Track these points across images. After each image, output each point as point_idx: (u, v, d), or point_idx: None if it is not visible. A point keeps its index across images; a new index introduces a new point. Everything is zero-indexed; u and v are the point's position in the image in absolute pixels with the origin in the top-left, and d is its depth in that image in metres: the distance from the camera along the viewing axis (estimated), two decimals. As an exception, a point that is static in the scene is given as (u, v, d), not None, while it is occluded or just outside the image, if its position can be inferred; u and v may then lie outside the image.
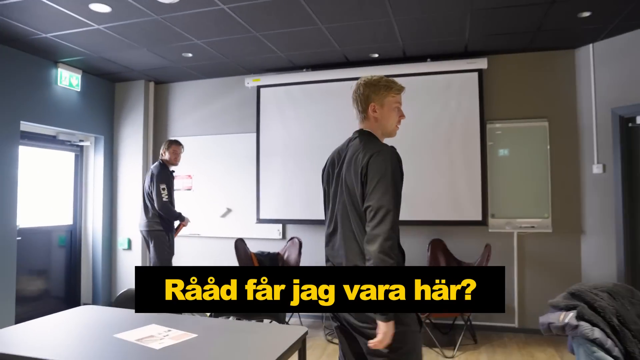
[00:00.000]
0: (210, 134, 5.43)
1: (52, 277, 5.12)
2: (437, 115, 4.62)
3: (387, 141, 2.03)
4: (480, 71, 4.52)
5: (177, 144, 4.51)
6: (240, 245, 4.62)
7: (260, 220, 5.04)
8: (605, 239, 4.21)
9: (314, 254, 4.91)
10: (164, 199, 4.27)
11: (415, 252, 4.63)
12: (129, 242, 5.42)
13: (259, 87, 5.14)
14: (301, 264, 4.69)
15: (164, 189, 4.29)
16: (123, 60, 4.78)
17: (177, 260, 5.39)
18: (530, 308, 4.47)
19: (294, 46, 4.39)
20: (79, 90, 5.07)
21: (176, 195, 5.21)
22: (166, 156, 4.47)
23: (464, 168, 4.53)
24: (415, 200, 4.61)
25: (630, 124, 4.08)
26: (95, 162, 5.48)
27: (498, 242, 4.44)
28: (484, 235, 4.52)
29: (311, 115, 4.97)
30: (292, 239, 4.83)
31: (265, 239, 5.14)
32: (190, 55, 4.60)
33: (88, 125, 5.26)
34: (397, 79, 2.18)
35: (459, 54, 4.59)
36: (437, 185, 4.58)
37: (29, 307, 4.76)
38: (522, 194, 4.51)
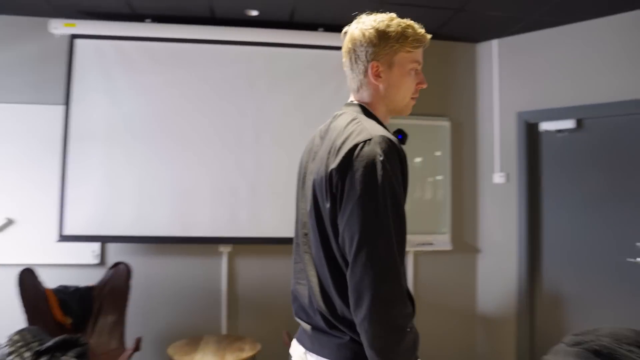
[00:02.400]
0: (-16, 102, 3.48)
1: None
2: (327, 98, 3.61)
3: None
4: (380, 53, 3.68)
5: None
6: (27, 278, 2.86)
7: (64, 238, 3.28)
8: (504, 255, 3.70)
9: (152, 287, 3.41)
10: None
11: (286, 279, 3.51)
12: None
13: (73, 37, 3.42)
14: (131, 304, 3.14)
15: None
16: None
17: None
18: (426, 341, 3.72)
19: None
20: None
21: None
22: None
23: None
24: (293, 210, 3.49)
25: (537, 130, 3.67)
26: None
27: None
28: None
29: (156, 86, 3.47)
30: (116, 265, 3.22)
31: (72, 266, 3.38)
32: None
33: None
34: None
35: (357, 28, 3.68)
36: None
37: None
38: (420, 205, 3.77)
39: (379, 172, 1.11)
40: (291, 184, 3.49)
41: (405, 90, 1.35)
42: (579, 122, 3.46)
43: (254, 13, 3.43)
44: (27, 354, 2.34)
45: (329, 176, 1.17)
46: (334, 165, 1.16)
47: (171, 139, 3.47)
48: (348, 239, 1.12)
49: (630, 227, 3.23)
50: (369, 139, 1.15)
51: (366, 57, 1.32)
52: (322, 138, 1.36)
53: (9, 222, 3.38)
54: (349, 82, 1.39)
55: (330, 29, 3.64)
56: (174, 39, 3.49)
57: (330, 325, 1.22)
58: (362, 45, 1.32)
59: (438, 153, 3.80)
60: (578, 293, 3.42)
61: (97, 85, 3.43)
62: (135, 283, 3.22)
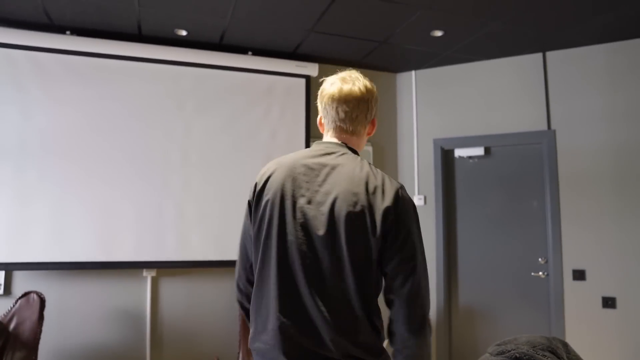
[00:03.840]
0: None
1: None
2: (255, 122, 3.64)
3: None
4: (308, 78, 3.79)
5: None
6: None
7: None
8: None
9: (68, 317, 3.17)
10: None
11: (226, 301, 3.46)
12: None
13: (-21, 45, 3.17)
14: (44, 337, 2.89)
15: None
16: None
17: None
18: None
19: (59, -14, 2.79)
20: None
21: None
22: None
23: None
24: (227, 232, 3.46)
25: (452, 156, 3.98)
26: None
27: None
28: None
29: (76, 101, 3.28)
30: (26, 295, 2.95)
31: (-30, 295, 3.06)
32: None
33: None
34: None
35: (287, 54, 3.77)
36: (252, 214, 3.55)
37: None
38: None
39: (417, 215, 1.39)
40: (219, 206, 3.50)
41: None
42: (487, 150, 3.82)
43: (183, 33, 3.40)
44: None
45: (385, 211, 1.29)
46: (388, 203, 1.30)
47: (92, 157, 3.29)
48: (405, 265, 1.31)
49: (532, 244, 3.60)
50: (402, 186, 1.38)
51: (373, 112, 1.47)
52: (313, 169, 1.36)
53: None
54: (340, 123, 1.43)
55: (259, 53, 3.71)
56: (97, 54, 3.35)
57: (362, 351, 1.29)
58: (375, 101, 1.47)
59: (362, 176, 3.97)
60: (490, 305, 3.72)
61: (7, 97, 3.18)
62: (49, 314, 2.97)
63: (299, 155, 1.41)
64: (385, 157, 4.09)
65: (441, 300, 3.82)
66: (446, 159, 3.97)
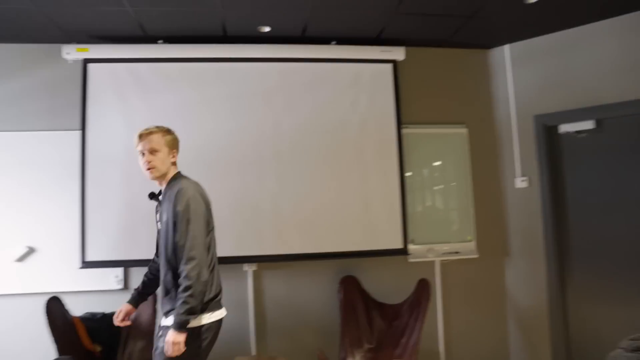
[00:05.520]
0: (1, 131, 3.45)
1: None
2: (343, 112, 3.59)
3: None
4: (395, 63, 3.66)
5: None
6: (55, 307, 2.82)
7: (86, 264, 3.26)
8: (532, 261, 3.66)
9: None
10: None
11: (325, 293, 3.48)
12: None
13: (86, 62, 3.41)
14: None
15: None
16: None
17: None
18: (459, 353, 3.67)
19: (149, 0, 2.93)
20: None
21: None
22: None
23: (379, 183, 3.57)
24: (318, 225, 3.46)
25: (556, 132, 3.64)
26: None
27: (420, 274, 3.52)
28: (404, 267, 3.59)
29: (170, 107, 3.45)
30: (142, 289, 3.18)
31: (96, 292, 3.34)
32: (-37, -12, 2.72)
33: None
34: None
35: (371, 40, 3.67)
36: (345, 206, 3.51)
37: None
38: (443, 214, 3.74)
39: None
40: (312, 199, 3.51)
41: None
42: (598, 122, 3.43)
43: (266, 29, 3.42)
44: None
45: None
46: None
47: (189, 158, 3.42)
48: None
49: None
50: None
51: None
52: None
53: (30, 251, 3.34)
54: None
55: (342, 41, 3.63)
56: (187, 59, 3.48)
57: None
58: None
59: (458, 161, 3.77)
60: (611, 292, 3.37)
61: (112, 108, 3.41)
62: (161, 307, 3.17)
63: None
64: (482, 139, 3.85)
65: (554, 288, 3.54)
66: (550, 136, 3.64)
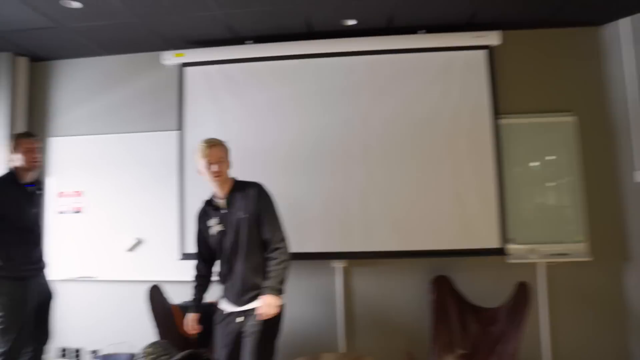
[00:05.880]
0: (111, 133, 3.80)
1: None
2: (434, 106, 3.41)
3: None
4: (489, 49, 3.40)
5: (26, 137, 2.87)
6: (156, 296, 3.03)
7: (186, 256, 3.46)
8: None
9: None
10: None
11: (416, 293, 3.35)
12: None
13: (182, 66, 3.63)
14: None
15: None
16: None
17: (62, 317, 3.70)
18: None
19: (237, 3, 3.01)
20: None
21: (60, 220, 3.55)
22: (18, 160, 2.81)
23: (473, 177, 3.34)
24: (408, 222, 3.33)
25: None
26: None
27: (520, 277, 3.22)
28: (502, 268, 3.32)
29: (259, 105, 3.54)
30: (234, 282, 3.31)
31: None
32: (78, 4, 3.01)
33: None
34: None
35: (462, 26, 3.45)
36: (436, 202, 3.34)
37: None
38: (549, 212, 3.39)
39: None
40: (401, 196, 3.38)
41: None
42: None
43: (352, 22, 3.37)
44: None
45: None
46: None
47: (280, 154, 3.50)
48: None
49: None
50: None
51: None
52: None
53: (139, 242, 3.64)
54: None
55: (430, 30, 3.45)
56: (274, 57, 3.54)
57: None
58: None
59: (565, 153, 3.40)
60: None
61: (206, 109, 3.59)
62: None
63: None
64: (593, 128, 3.43)
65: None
66: (679, 121, 3.14)
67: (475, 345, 2.94)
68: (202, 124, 3.57)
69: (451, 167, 3.35)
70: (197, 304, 2.61)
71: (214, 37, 3.55)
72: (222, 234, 2.45)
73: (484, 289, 3.28)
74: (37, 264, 2.90)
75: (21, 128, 3.79)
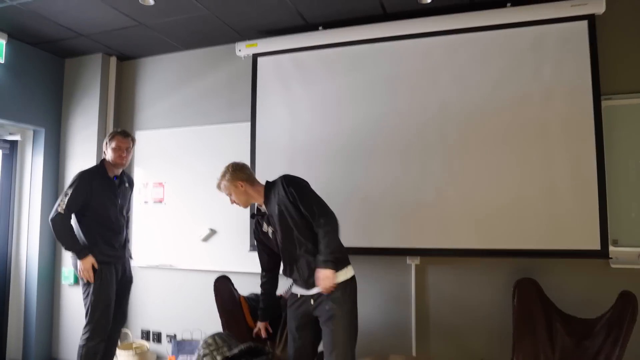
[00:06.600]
0: (189, 125, 3.91)
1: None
2: (521, 89, 3.03)
3: None
4: (591, 19, 2.94)
5: (120, 135, 3.05)
6: (223, 286, 3.05)
7: (254, 247, 3.45)
8: None
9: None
10: (58, 208, 2.84)
11: (497, 296, 3.03)
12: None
13: (255, 56, 3.61)
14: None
15: (66, 195, 2.86)
16: (60, 16, 3.33)
17: (143, 302, 3.94)
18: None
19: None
20: (1, 62, 3.60)
21: (144, 210, 3.74)
22: (108, 154, 3.04)
23: (568, 169, 2.92)
24: (490, 218, 3.01)
25: None
26: (34, 163, 4.00)
27: (622, 284, 2.73)
28: (603, 274, 2.87)
29: (331, 93, 3.41)
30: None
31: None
32: (151, 1, 3.09)
33: (22, 113, 3.79)
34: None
35: (556, -6, 3.01)
36: (523, 196, 2.97)
37: None
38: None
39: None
40: (482, 189, 3.06)
41: None
42: None
43: (428, 0, 3.09)
44: (218, 358, 2.47)
45: None
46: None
47: (353, 143, 3.34)
48: None
49: None
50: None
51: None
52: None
53: (212, 233, 3.72)
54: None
55: (519, 1, 3.06)
56: (346, 43, 3.38)
57: None
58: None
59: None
60: None
61: (278, 99, 3.54)
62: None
63: None
64: None
65: None
66: None
67: (564, 359, 2.57)
68: (273, 114, 3.54)
69: (542, 157, 2.95)
70: (265, 313, 2.82)
71: (284, 25, 3.49)
72: (274, 234, 2.55)
73: (578, 297, 2.86)
74: (119, 250, 3.07)
75: (111, 123, 4.06)
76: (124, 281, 3.15)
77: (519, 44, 3.05)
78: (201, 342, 2.58)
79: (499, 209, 3.00)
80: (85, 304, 2.93)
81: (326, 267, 2.30)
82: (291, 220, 2.44)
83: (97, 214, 2.96)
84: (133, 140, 3.12)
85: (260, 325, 2.82)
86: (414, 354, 3.16)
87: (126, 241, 3.18)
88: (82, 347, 2.87)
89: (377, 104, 3.30)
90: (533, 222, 2.93)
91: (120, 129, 3.13)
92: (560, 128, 2.94)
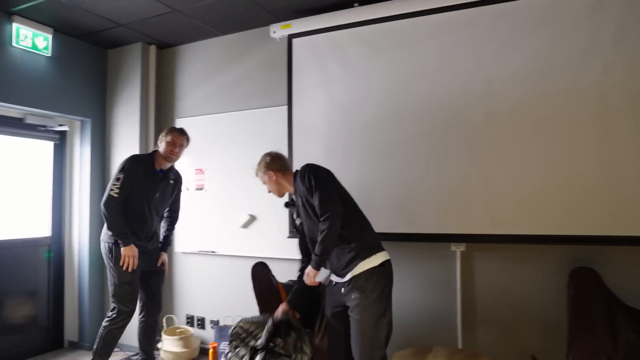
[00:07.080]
0: (228, 112, 3.89)
1: (28, 306, 3.83)
2: (575, 57, 2.74)
3: None
4: (660, -25, 2.59)
5: (176, 131, 3.11)
6: (260, 272, 3.03)
7: (293, 234, 3.39)
8: None
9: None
10: (111, 193, 2.91)
11: (550, 286, 2.81)
12: (125, 260, 4.02)
13: (290, 38, 3.51)
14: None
15: (118, 179, 2.93)
16: (97, 6, 3.37)
17: (188, 287, 4.01)
18: None
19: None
20: (48, 55, 3.73)
21: (186, 197, 3.77)
22: (161, 146, 3.09)
23: (631, 147, 2.61)
24: (542, 202, 2.77)
25: None
26: (82, 153, 4.14)
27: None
28: (673, 263, 2.59)
29: (367, 72, 3.26)
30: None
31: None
32: (182, -14, 3.06)
33: (69, 104, 3.91)
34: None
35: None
36: (579, 178, 2.71)
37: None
38: None
39: None
40: (534, 167, 2.82)
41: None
42: None
43: (471, -35, 2.86)
44: (251, 342, 2.49)
45: None
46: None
47: (389, 127, 3.19)
48: None
49: None
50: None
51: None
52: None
53: (252, 219, 3.70)
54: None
55: (577, -40, 2.75)
56: (383, 18, 3.20)
57: None
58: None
59: None
60: None
61: (314, 81, 3.42)
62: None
63: None
64: None
65: None
66: None
67: (628, 357, 2.33)
68: (310, 98, 3.43)
69: (601, 134, 2.67)
70: (294, 296, 2.75)
71: (319, 4, 3.35)
72: (302, 224, 2.56)
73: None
74: (143, 242, 3.09)
75: (152, 112, 4.12)
76: (155, 272, 3.21)
77: (575, 9, 2.74)
78: (234, 327, 2.60)
79: (552, 192, 2.76)
80: (110, 291, 3.02)
81: (310, 265, 2.44)
82: (312, 212, 2.43)
83: (130, 200, 2.99)
84: (188, 139, 3.17)
85: (284, 307, 2.70)
86: (459, 346, 3.00)
87: (154, 234, 3.20)
88: (104, 327, 3.00)
89: (417, 83, 3.11)
90: (591, 206, 2.67)
91: (179, 127, 3.18)
92: (621, 102, 2.64)
